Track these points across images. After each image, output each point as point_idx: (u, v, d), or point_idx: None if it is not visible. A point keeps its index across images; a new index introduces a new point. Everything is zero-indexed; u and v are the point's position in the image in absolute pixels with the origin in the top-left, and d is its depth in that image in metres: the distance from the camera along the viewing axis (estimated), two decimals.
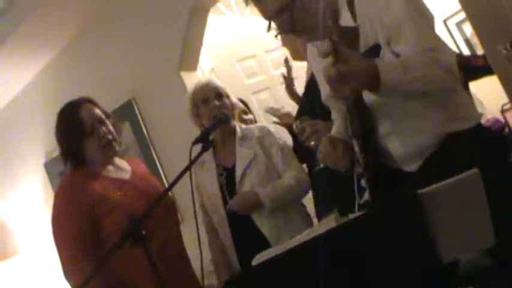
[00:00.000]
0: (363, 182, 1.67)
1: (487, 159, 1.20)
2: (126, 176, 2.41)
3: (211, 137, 2.06)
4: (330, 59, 1.43)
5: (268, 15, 1.70)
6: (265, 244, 2.46)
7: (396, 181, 1.64)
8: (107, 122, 2.37)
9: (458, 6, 3.76)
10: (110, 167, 2.39)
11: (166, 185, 3.73)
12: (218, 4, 4.42)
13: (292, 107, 3.19)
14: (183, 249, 2.43)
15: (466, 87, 3.79)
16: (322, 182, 2.48)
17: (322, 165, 2.24)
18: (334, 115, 1.96)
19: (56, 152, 4.45)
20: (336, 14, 1.69)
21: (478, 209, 1.16)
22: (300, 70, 3.21)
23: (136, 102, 4.28)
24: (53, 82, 4.75)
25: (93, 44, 4.47)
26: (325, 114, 2.10)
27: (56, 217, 2.26)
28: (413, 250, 1.10)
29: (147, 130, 4.25)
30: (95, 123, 2.33)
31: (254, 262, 1.36)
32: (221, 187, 2.67)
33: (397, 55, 1.57)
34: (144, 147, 4.23)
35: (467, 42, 5.14)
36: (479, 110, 3.98)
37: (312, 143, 2.65)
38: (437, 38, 1.58)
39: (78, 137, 2.30)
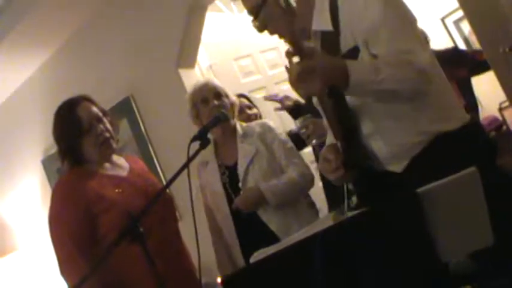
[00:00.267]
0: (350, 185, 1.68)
1: (473, 160, 1.20)
2: (124, 173, 2.41)
3: (209, 135, 2.05)
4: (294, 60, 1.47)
5: (248, 13, 1.77)
6: (273, 240, 2.45)
7: (382, 182, 1.65)
8: (104, 119, 2.38)
9: (456, 4, 3.77)
10: (108, 165, 2.39)
11: (164, 183, 3.73)
12: (216, 2, 4.42)
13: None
14: (181, 246, 2.43)
15: (469, 82, 3.80)
16: None
17: None
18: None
19: (54, 149, 4.44)
20: (304, 20, 1.73)
21: (476, 208, 1.16)
22: None
23: (134, 100, 4.27)
24: (51, 80, 4.74)
25: (91, 41, 4.47)
26: None
27: (53, 216, 2.27)
28: (412, 249, 1.10)
29: (145, 127, 4.25)
30: (92, 121, 2.33)
31: (252, 260, 1.36)
32: (224, 186, 2.67)
33: (374, 57, 1.58)
34: (142, 144, 4.23)
35: (465, 40, 5.14)
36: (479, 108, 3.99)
37: (314, 141, 2.66)
38: (413, 40, 1.58)
39: (76, 135, 2.30)
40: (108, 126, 2.38)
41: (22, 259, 4.80)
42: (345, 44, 1.64)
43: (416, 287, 1.10)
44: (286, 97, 3.14)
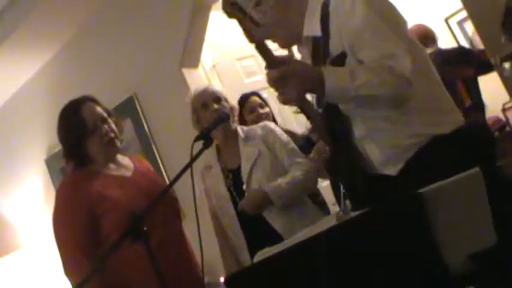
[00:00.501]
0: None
1: (468, 163, 1.20)
2: (128, 173, 2.42)
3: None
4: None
5: None
6: (278, 241, 2.45)
7: (377, 185, 1.65)
8: (109, 120, 2.39)
9: (460, 5, 3.76)
10: (112, 165, 2.40)
11: (168, 182, 3.73)
12: (220, 1, 4.41)
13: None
14: (185, 246, 2.43)
15: (476, 81, 3.80)
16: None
17: None
18: None
19: (57, 148, 4.46)
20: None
21: (479, 208, 1.17)
22: None
23: (138, 99, 4.27)
24: (54, 79, 4.75)
25: (95, 40, 4.47)
26: None
27: (56, 216, 2.28)
28: (415, 249, 1.11)
29: (148, 127, 4.25)
30: (96, 121, 2.34)
31: (255, 259, 1.36)
32: (229, 189, 2.68)
33: (361, 62, 1.59)
34: (145, 144, 4.23)
35: (469, 40, 5.14)
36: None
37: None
38: (396, 44, 1.56)
39: (80, 136, 2.31)
40: (113, 126, 2.39)
41: (25, 258, 4.81)
42: (334, 50, 1.65)
43: (419, 286, 1.11)
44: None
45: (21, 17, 4.07)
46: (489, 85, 3.96)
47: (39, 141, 4.84)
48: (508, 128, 4.11)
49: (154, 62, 4.15)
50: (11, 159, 5.21)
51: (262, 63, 1.70)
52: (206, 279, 2.52)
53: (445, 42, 4.70)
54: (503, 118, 4.21)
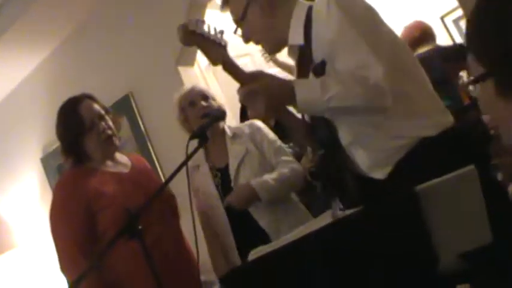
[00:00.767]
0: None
1: (456, 165, 1.20)
2: (126, 170, 2.44)
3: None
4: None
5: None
6: (263, 238, 2.46)
7: (367, 188, 1.65)
8: (107, 117, 2.42)
9: (456, 3, 3.76)
10: (110, 162, 2.43)
11: (163, 180, 3.73)
12: None
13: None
14: (182, 244, 2.44)
15: None
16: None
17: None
18: None
19: (53, 147, 4.46)
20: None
21: (474, 206, 1.16)
22: None
23: (134, 97, 4.27)
24: (50, 77, 4.74)
25: (91, 39, 4.46)
26: None
27: (54, 213, 2.30)
28: (410, 246, 1.10)
29: (144, 125, 4.24)
30: (94, 118, 2.37)
31: (250, 258, 1.36)
32: (217, 187, 2.67)
33: (337, 72, 1.60)
34: (141, 142, 4.23)
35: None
36: None
37: None
38: (369, 54, 1.55)
39: (78, 133, 2.34)
40: (110, 123, 2.42)
41: (20, 256, 4.80)
42: (316, 57, 1.66)
43: (414, 285, 1.11)
44: None
45: (15, 16, 4.05)
46: None
47: (35, 140, 4.83)
48: None
49: (150, 61, 4.14)
50: (7, 157, 5.20)
51: (258, 61, 1.72)
52: (202, 278, 2.52)
53: (441, 40, 4.71)
54: None
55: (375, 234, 1.12)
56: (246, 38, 1.86)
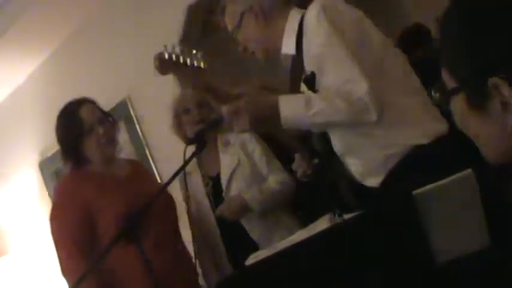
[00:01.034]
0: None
1: (449, 172, 1.20)
2: (124, 173, 2.45)
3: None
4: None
5: None
6: (255, 249, 2.44)
7: (362, 195, 1.66)
8: (106, 121, 2.42)
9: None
10: (109, 166, 2.44)
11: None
12: None
13: None
14: (180, 247, 2.45)
15: None
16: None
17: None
18: None
19: (51, 152, 4.44)
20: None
21: (472, 210, 1.16)
22: None
23: (131, 102, 4.26)
24: (48, 81, 4.73)
25: (89, 42, 4.45)
26: None
27: (53, 216, 2.33)
28: (408, 250, 1.10)
29: (141, 129, 4.23)
30: (94, 122, 2.38)
31: (248, 262, 1.36)
32: (208, 196, 2.67)
33: (323, 85, 1.63)
34: (139, 147, 4.22)
35: None
36: None
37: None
38: (354, 69, 1.56)
39: (78, 136, 2.35)
40: (110, 127, 2.43)
41: (15, 262, 4.78)
42: (307, 68, 1.69)
43: (412, 287, 1.11)
44: None
45: (14, 17, 4.04)
46: None
47: (32, 145, 4.81)
48: None
49: (148, 65, 4.09)
50: (4, 162, 5.17)
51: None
52: (201, 281, 2.52)
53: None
54: None
55: (373, 237, 1.12)
56: (243, 47, 1.87)
